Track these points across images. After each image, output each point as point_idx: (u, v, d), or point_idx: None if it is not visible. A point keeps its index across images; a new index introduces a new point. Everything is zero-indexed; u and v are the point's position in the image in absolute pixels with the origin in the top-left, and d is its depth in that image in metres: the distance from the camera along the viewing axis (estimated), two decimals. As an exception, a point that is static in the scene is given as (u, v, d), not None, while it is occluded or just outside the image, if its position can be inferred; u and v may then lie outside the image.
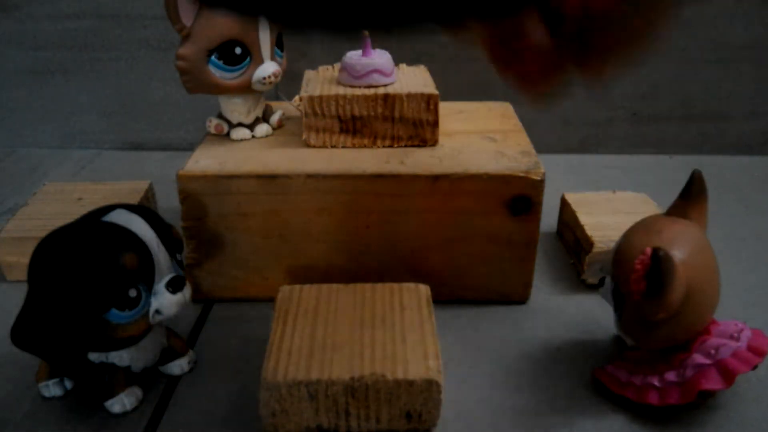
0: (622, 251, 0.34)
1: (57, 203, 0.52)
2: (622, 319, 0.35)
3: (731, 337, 0.33)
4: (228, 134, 0.46)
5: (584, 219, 0.48)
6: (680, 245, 0.32)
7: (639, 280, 0.32)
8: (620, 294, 0.34)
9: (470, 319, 0.43)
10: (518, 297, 0.44)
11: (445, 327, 0.42)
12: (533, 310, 0.44)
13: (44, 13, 0.67)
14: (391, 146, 0.44)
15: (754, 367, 0.32)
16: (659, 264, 0.31)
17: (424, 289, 0.39)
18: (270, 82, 0.43)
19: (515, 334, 0.42)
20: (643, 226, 0.35)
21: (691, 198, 0.35)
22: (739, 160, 0.68)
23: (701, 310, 0.33)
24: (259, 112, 0.46)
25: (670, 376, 0.33)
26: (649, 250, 0.32)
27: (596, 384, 0.37)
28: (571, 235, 0.50)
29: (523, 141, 0.45)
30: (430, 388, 0.32)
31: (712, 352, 0.33)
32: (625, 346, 0.38)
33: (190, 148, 0.46)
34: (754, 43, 0.65)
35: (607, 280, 0.36)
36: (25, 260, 0.33)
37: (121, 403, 0.35)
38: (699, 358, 0.33)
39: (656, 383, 0.34)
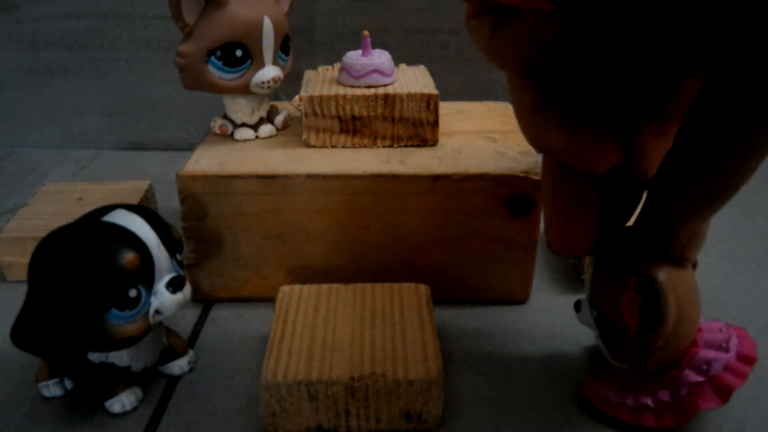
0: (600, 281, 0.32)
1: (57, 203, 0.52)
2: (616, 350, 0.32)
3: (720, 348, 0.32)
4: (232, 134, 0.46)
5: (584, 219, 0.47)
6: (659, 263, 0.30)
7: (632, 315, 0.30)
8: (609, 324, 0.32)
9: (470, 319, 0.43)
10: (518, 297, 0.44)
11: (445, 327, 0.42)
12: (533, 310, 0.44)
13: (44, 13, 0.67)
14: (391, 146, 0.44)
15: None
16: (657, 296, 0.29)
17: (424, 289, 0.39)
18: (269, 87, 0.43)
19: (515, 334, 0.42)
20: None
21: None
22: (739, 160, 0.68)
23: (691, 323, 0.31)
24: (263, 112, 0.46)
25: (664, 395, 0.32)
26: (633, 281, 0.29)
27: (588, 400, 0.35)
28: (571, 235, 0.49)
29: (523, 141, 0.45)
30: (430, 388, 0.32)
31: (704, 367, 0.31)
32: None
33: (190, 148, 0.46)
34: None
35: (584, 304, 0.34)
36: (25, 260, 0.33)
37: (121, 403, 0.35)
38: (692, 375, 0.31)
39: (650, 404, 0.33)
